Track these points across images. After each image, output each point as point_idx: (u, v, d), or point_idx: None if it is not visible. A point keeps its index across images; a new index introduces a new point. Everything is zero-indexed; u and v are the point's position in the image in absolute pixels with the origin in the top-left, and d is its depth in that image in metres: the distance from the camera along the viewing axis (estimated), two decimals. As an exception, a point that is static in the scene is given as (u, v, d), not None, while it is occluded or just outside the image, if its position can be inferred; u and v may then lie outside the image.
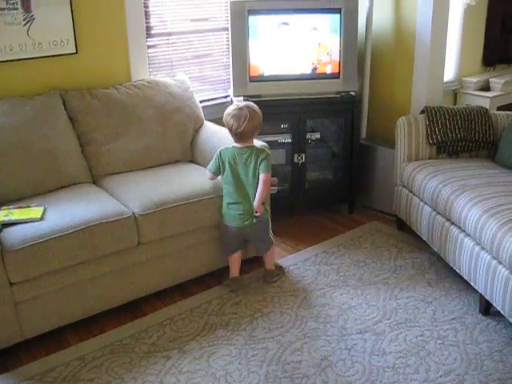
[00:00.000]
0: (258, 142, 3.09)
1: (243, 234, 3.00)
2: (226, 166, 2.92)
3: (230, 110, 2.90)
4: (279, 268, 3.24)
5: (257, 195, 2.90)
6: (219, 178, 3.00)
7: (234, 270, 3.09)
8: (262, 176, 2.89)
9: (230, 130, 2.90)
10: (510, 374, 2.40)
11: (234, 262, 3.08)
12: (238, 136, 2.89)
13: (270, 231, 3.14)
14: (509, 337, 2.63)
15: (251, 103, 2.96)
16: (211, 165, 3.01)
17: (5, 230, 2.52)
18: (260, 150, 2.94)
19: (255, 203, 2.90)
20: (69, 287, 2.65)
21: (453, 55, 4.69)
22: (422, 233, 3.31)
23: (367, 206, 4.06)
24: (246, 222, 2.94)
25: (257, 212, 2.91)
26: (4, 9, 3.01)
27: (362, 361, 2.51)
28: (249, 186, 2.93)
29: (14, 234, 2.49)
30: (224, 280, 3.12)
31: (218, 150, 2.99)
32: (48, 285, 2.58)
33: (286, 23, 3.57)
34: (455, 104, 4.85)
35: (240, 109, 2.85)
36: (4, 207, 2.72)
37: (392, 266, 3.27)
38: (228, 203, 2.95)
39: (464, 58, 4.78)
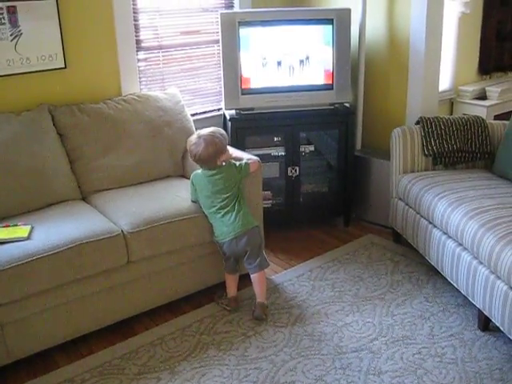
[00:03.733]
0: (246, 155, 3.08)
1: (239, 247, 2.85)
2: (199, 193, 2.90)
3: (191, 138, 2.89)
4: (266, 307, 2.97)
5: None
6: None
7: (233, 289, 3.00)
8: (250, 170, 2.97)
9: (191, 158, 2.90)
10: (510, 393, 2.34)
11: (232, 280, 3.00)
12: (200, 163, 2.88)
13: (264, 252, 3.04)
14: (509, 354, 2.56)
15: (214, 130, 2.88)
16: (191, 193, 2.98)
17: (-10, 250, 2.46)
18: (228, 166, 2.89)
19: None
20: (57, 307, 2.59)
21: (448, 64, 4.64)
22: (418, 246, 3.25)
23: (363, 218, 4.00)
24: (241, 228, 2.82)
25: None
26: (-10, 24, 2.98)
27: (357, 381, 2.44)
28: (231, 197, 2.85)
29: (-1, 254, 2.44)
30: (219, 298, 3.04)
31: (191, 176, 2.97)
32: (35, 305, 2.51)
33: (277, 34, 3.52)
34: (451, 113, 4.80)
35: (199, 137, 2.84)
36: (-10, 226, 2.67)
37: (388, 281, 3.20)
38: (216, 218, 2.86)
39: (460, 66, 4.73)
